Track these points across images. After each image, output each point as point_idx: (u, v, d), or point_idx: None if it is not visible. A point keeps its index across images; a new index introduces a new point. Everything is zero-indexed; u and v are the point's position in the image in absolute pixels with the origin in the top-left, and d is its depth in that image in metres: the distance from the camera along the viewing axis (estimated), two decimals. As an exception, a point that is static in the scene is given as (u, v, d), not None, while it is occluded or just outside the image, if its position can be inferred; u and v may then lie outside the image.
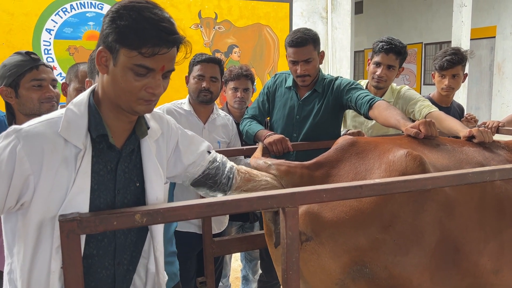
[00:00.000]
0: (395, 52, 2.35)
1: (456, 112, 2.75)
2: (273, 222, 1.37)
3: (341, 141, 1.47)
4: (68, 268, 0.88)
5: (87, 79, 1.52)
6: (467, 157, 1.50)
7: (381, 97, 2.38)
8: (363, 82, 2.57)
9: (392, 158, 1.35)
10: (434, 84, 2.75)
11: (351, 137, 1.48)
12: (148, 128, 1.16)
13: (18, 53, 1.60)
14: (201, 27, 4.80)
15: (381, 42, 2.39)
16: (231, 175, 1.35)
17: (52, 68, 1.67)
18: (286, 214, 1.05)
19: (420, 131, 1.55)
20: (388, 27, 11.97)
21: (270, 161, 1.44)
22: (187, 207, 0.96)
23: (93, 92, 1.11)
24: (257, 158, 1.51)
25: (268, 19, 5.26)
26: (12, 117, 1.62)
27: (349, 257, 1.27)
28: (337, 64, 7.02)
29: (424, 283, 1.27)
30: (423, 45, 11.03)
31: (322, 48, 6.80)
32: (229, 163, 1.39)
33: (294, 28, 5.52)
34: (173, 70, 1.09)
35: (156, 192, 1.15)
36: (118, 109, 1.08)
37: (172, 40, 1.02)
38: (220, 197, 1.22)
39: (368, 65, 2.48)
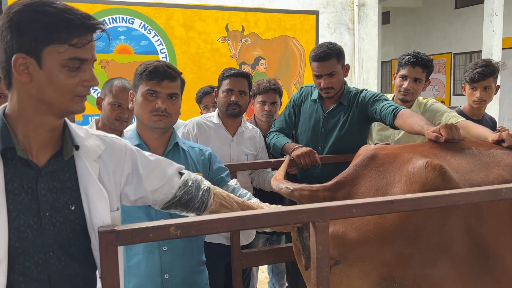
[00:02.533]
0: (421, 65, 2.34)
1: (488, 125, 2.69)
2: (300, 242, 1.37)
3: (360, 156, 1.46)
4: (106, 278, 0.92)
5: (131, 91, 1.61)
6: (494, 160, 1.47)
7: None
8: (389, 96, 2.56)
9: (411, 170, 1.33)
10: (464, 95, 2.71)
11: (371, 150, 1.47)
12: (77, 147, 1.04)
13: None
14: (228, 40, 4.86)
15: (407, 55, 2.38)
16: (205, 199, 1.29)
17: None
18: (316, 229, 1.06)
19: (441, 134, 1.52)
20: (416, 37, 11.84)
21: (292, 186, 1.43)
22: (219, 221, 0.99)
23: (5, 108, 1.02)
24: (279, 182, 1.51)
25: (295, 31, 5.27)
26: None
27: (378, 274, 1.27)
28: (364, 75, 6.99)
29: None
30: (453, 55, 10.84)
31: (349, 60, 6.77)
32: (205, 185, 1.31)
33: (320, 39, 5.54)
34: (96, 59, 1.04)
35: (102, 215, 1.02)
36: (38, 120, 0.99)
37: (96, 25, 0.98)
38: (251, 211, 1.24)
39: (394, 79, 2.48)
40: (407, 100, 2.41)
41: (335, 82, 2.17)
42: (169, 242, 1.52)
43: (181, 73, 1.60)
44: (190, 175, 1.30)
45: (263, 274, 3.42)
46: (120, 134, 2.11)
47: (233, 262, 1.96)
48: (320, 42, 5.74)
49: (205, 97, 2.97)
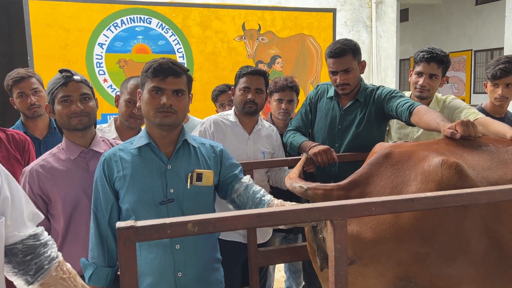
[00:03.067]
0: (436, 61, 2.31)
1: (510, 122, 2.63)
2: (315, 242, 1.36)
3: (374, 154, 1.44)
4: (124, 274, 0.92)
5: (138, 90, 1.59)
6: None
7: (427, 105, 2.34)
8: (407, 93, 2.53)
9: (427, 168, 1.31)
10: (485, 93, 2.65)
11: (385, 147, 1.45)
12: None
13: (59, 71, 1.68)
14: (244, 38, 4.88)
15: (422, 51, 2.36)
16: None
17: (86, 82, 1.70)
18: (335, 227, 1.04)
19: (457, 131, 1.49)
20: (435, 34, 11.65)
21: (306, 185, 1.42)
22: (236, 217, 0.98)
23: None
24: (293, 181, 1.50)
25: (311, 29, 5.26)
26: (62, 130, 1.71)
27: (393, 274, 1.25)
28: (382, 73, 6.92)
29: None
30: (473, 52, 10.64)
31: (366, 58, 6.70)
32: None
33: (337, 37, 5.50)
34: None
35: None
36: None
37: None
38: (267, 208, 1.24)
39: (410, 76, 2.45)
40: (424, 96, 2.38)
41: (351, 79, 2.15)
42: (181, 240, 1.52)
43: (188, 70, 1.58)
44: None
45: (279, 273, 3.42)
46: (138, 132, 2.13)
47: (250, 260, 1.96)
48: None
49: (221, 96, 2.97)
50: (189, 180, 1.53)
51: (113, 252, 1.55)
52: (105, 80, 4.37)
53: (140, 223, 0.93)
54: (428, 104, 2.42)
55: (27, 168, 1.62)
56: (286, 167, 2.29)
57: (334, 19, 5.72)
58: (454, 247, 1.24)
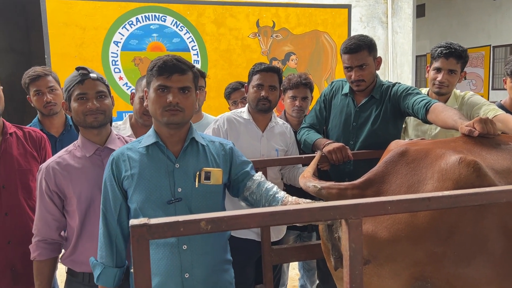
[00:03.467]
0: (455, 56, 2.27)
1: None
2: (329, 241, 1.34)
3: (390, 152, 1.41)
4: (137, 271, 0.92)
5: (145, 89, 1.58)
6: None
7: (445, 102, 2.30)
8: (424, 90, 2.48)
9: (444, 166, 1.28)
10: (504, 89, 2.59)
11: (401, 145, 1.42)
12: None
13: (75, 69, 1.69)
14: (259, 36, 4.88)
15: (440, 47, 2.32)
16: None
17: (103, 80, 1.70)
18: (349, 226, 1.03)
19: (475, 128, 1.45)
20: (453, 29, 11.45)
21: (319, 184, 1.40)
22: (250, 216, 0.98)
23: None
24: (307, 180, 1.47)
25: (326, 26, 5.23)
26: (78, 127, 1.73)
27: (409, 274, 1.23)
28: (398, 69, 6.83)
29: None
30: (492, 48, 10.43)
31: (382, 54, 6.62)
32: None
33: (352, 33, 5.45)
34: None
35: None
36: None
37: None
38: (281, 206, 1.22)
39: (427, 72, 2.40)
40: (443, 92, 2.34)
41: (366, 75, 2.13)
42: (189, 240, 1.49)
43: (194, 66, 1.54)
44: None
45: (294, 271, 3.40)
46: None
47: (264, 258, 1.96)
48: (352, 36, 5.66)
49: (233, 93, 2.96)
50: (197, 178, 1.51)
51: (122, 252, 1.54)
52: (120, 78, 4.41)
53: (153, 220, 0.92)
54: (446, 100, 2.38)
55: (43, 165, 1.64)
56: (300, 165, 2.28)
57: (349, 15, 5.68)
58: (471, 247, 1.22)
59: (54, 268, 1.68)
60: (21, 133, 1.97)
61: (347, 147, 2.04)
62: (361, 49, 2.09)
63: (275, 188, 1.60)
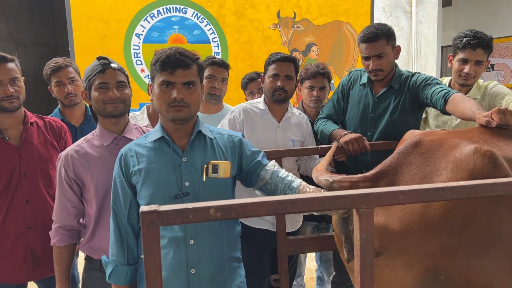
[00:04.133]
0: (482, 46, 2.20)
1: None
2: (342, 233, 1.33)
3: (404, 142, 1.39)
4: (148, 257, 0.94)
5: (149, 82, 1.58)
6: None
7: (466, 94, 2.24)
8: (445, 80, 2.42)
9: (459, 156, 1.25)
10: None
11: (416, 135, 1.39)
12: None
13: (96, 58, 1.71)
14: (279, 26, 4.84)
15: (466, 37, 2.24)
16: None
17: (123, 70, 1.72)
18: (360, 216, 1.02)
19: (493, 119, 1.42)
20: (480, 19, 11.09)
21: (331, 178, 1.38)
22: (259, 204, 0.98)
23: None
24: (319, 174, 1.45)
25: (348, 16, 5.14)
26: (96, 117, 1.76)
27: (422, 266, 1.21)
28: (422, 60, 6.68)
29: (510, 289, 1.17)
30: (522, 38, 10.07)
31: (406, 44, 6.47)
32: None
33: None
34: None
35: None
36: None
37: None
38: (292, 195, 1.22)
39: (450, 62, 2.33)
40: (469, 84, 2.28)
41: (384, 64, 2.09)
42: (196, 235, 1.47)
43: (198, 58, 1.51)
44: None
45: (311, 262, 3.41)
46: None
47: (279, 248, 1.96)
48: (375, 26, 5.57)
49: (250, 83, 2.97)
50: (204, 172, 1.49)
51: (133, 249, 1.54)
52: (142, 70, 4.43)
53: (163, 207, 0.94)
54: (469, 91, 2.32)
55: (62, 153, 1.68)
56: (317, 156, 2.26)
57: (372, 5, 5.59)
58: (485, 239, 1.19)
59: (73, 254, 1.73)
60: (42, 122, 2.03)
61: (364, 137, 2.02)
62: (379, 38, 2.05)
63: (290, 176, 1.56)
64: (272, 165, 1.61)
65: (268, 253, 2.16)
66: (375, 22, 5.41)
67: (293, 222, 2.23)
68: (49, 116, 2.16)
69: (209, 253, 1.49)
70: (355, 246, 1.05)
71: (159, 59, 1.44)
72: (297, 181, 1.53)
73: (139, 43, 4.42)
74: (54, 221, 1.69)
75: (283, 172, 1.58)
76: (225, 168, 1.50)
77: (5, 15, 10.89)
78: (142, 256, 0.99)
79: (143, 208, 0.93)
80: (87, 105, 2.50)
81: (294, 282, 2.62)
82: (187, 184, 1.47)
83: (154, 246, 0.93)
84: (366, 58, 2.12)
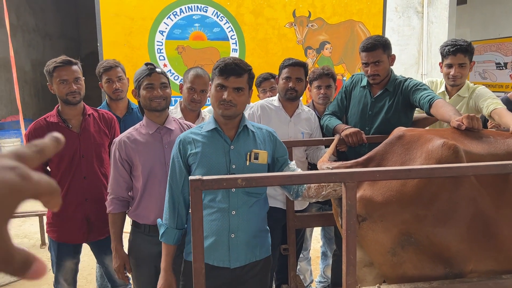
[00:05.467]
0: (461, 51, 2.56)
1: None
2: (339, 206, 1.70)
3: (390, 135, 1.75)
4: (193, 212, 1.33)
5: (210, 82, 1.89)
6: (508, 148, 1.69)
7: (456, 92, 2.59)
8: (439, 80, 2.77)
9: (431, 148, 1.60)
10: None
11: (400, 131, 1.75)
12: None
13: (144, 64, 2.09)
14: (294, 25, 5.03)
15: (447, 46, 2.62)
16: None
17: (165, 74, 2.10)
18: (347, 188, 1.39)
19: (463, 123, 1.77)
20: (495, 18, 11.18)
21: (331, 165, 1.74)
22: (273, 177, 1.37)
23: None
24: (322, 163, 1.81)
25: (361, 15, 5.28)
26: (142, 110, 2.15)
27: (398, 230, 1.56)
28: (432, 59, 6.92)
29: (463, 251, 1.53)
30: (538, 37, 10.15)
31: (417, 44, 6.70)
32: None
33: (387, 23, 5.56)
34: None
35: None
36: None
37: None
38: (297, 172, 1.59)
39: (441, 68, 2.69)
40: (457, 84, 2.64)
41: (380, 70, 2.46)
42: (237, 208, 1.77)
43: (250, 68, 1.80)
44: None
45: (319, 244, 3.77)
46: (198, 114, 2.56)
47: (288, 222, 2.34)
48: (387, 26, 5.79)
49: (264, 82, 3.27)
50: (247, 158, 1.79)
51: (183, 217, 1.83)
52: (165, 65, 4.67)
53: (205, 177, 1.32)
54: (459, 89, 2.67)
55: (116, 139, 2.07)
56: (323, 146, 2.63)
57: (385, 5, 5.65)
58: (447, 211, 1.54)
59: (124, 219, 2.13)
60: (97, 114, 2.45)
61: (362, 132, 2.39)
62: (377, 48, 2.42)
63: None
64: (293, 164, 1.93)
65: (279, 227, 2.53)
66: (387, 21, 5.60)
67: (301, 202, 2.61)
68: (99, 108, 2.58)
69: (246, 222, 1.80)
70: (342, 211, 1.43)
71: (219, 66, 1.76)
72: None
73: (162, 39, 4.66)
74: (109, 193, 2.09)
75: (299, 171, 1.89)
76: (263, 156, 1.80)
77: (33, 9, 11.38)
78: (189, 211, 1.37)
79: (191, 177, 1.32)
80: (130, 100, 2.92)
81: (301, 255, 3.00)
82: (233, 167, 1.78)
83: (198, 204, 1.32)
84: (365, 65, 2.50)
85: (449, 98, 2.71)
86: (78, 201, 2.34)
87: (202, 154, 1.78)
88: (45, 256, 3.62)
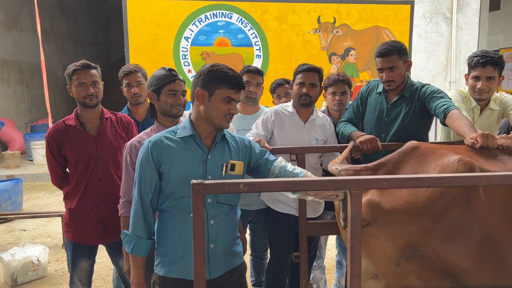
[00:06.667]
0: (491, 63, 2.45)
1: None
2: (342, 209, 1.67)
3: (405, 144, 1.71)
4: (195, 215, 1.32)
5: (198, 88, 1.82)
6: None
7: (486, 106, 2.52)
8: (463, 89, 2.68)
9: (446, 162, 1.55)
10: None
11: (416, 142, 1.70)
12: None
13: (163, 68, 2.12)
14: (319, 31, 5.00)
15: (476, 56, 2.51)
16: None
17: (183, 81, 2.14)
18: (352, 196, 1.35)
19: (477, 141, 1.72)
20: (530, 24, 10.83)
21: (340, 167, 1.72)
22: (275, 183, 1.34)
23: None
24: (332, 164, 1.79)
25: (388, 22, 5.19)
26: (154, 114, 2.17)
27: (403, 241, 1.51)
28: (461, 66, 6.75)
29: (470, 269, 1.47)
30: None
31: (445, 50, 6.56)
32: None
33: (414, 29, 5.46)
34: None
35: None
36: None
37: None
38: (301, 178, 1.56)
39: (466, 80, 2.59)
40: (483, 98, 2.54)
41: (396, 76, 2.40)
42: (215, 217, 1.74)
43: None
44: None
45: (334, 252, 3.71)
46: None
47: (300, 229, 2.31)
48: (414, 32, 5.69)
49: (278, 88, 3.24)
50: (224, 169, 1.75)
51: (151, 227, 1.78)
52: (189, 71, 4.73)
53: (207, 181, 1.32)
54: (486, 104, 2.57)
55: (128, 143, 2.10)
56: (338, 153, 2.58)
57: (412, 11, 5.54)
58: (456, 228, 1.48)
59: None
60: (115, 118, 2.50)
61: (378, 139, 2.33)
62: (392, 53, 2.37)
63: (295, 169, 1.87)
64: (279, 161, 1.90)
65: (291, 234, 2.51)
66: (414, 28, 5.49)
67: (314, 210, 2.57)
68: (120, 112, 2.63)
69: (224, 230, 1.78)
70: (347, 219, 1.39)
71: (229, 77, 1.69)
72: (302, 172, 1.86)
73: (187, 45, 4.71)
74: (121, 196, 2.11)
75: (289, 166, 1.89)
76: (239, 167, 1.78)
77: (66, 16, 11.80)
78: (191, 215, 1.36)
79: (193, 181, 1.32)
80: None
81: (315, 263, 2.96)
82: (210, 177, 1.74)
83: (200, 208, 1.32)
84: (380, 70, 2.44)
85: (480, 113, 2.62)
86: (93, 203, 2.38)
87: (178, 162, 1.73)
88: (65, 256, 3.71)
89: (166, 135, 1.78)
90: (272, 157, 1.92)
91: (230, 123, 2.55)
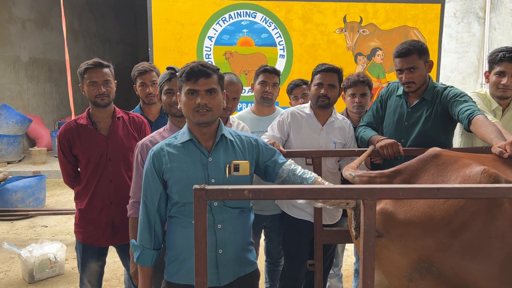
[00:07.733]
0: None
1: None
2: (354, 219, 1.57)
3: (426, 152, 1.59)
4: (197, 222, 1.26)
5: (178, 93, 1.79)
6: None
7: (507, 107, 2.36)
8: (483, 90, 2.55)
9: (468, 173, 1.43)
10: None
11: (438, 149, 1.58)
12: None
13: (166, 68, 2.07)
14: (345, 31, 4.91)
15: (501, 51, 2.38)
16: None
17: None
18: (365, 206, 1.26)
19: (506, 150, 1.58)
20: None
21: (354, 172, 1.62)
22: (282, 190, 1.27)
23: None
24: (346, 169, 1.70)
25: (416, 21, 5.06)
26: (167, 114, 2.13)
27: (417, 255, 1.41)
28: (494, 67, 6.48)
29: (493, 291, 1.34)
30: None
31: (477, 51, 6.34)
32: None
33: (445, 29, 5.28)
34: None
35: None
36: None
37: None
38: (310, 185, 1.47)
39: (486, 78, 2.45)
40: (508, 96, 2.39)
41: (416, 77, 2.27)
42: (223, 221, 1.69)
43: (218, 69, 1.72)
44: None
45: (352, 259, 3.59)
46: (226, 120, 2.50)
47: (315, 237, 2.22)
48: (444, 32, 5.49)
49: (295, 89, 3.17)
50: (227, 170, 1.69)
51: (159, 237, 1.75)
52: None
53: (210, 187, 1.25)
54: (509, 103, 2.42)
55: (139, 143, 2.06)
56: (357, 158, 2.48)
57: (442, 11, 5.38)
58: (477, 245, 1.36)
59: None
60: (127, 117, 2.46)
61: (399, 143, 2.21)
62: (411, 53, 2.23)
63: (306, 173, 1.79)
64: (289, 164, 1.82)
65: (307, 240, 2.40)
66: (444, 28, 5.31)
67: (332, 216, 2.46)
68: (132, 112, 2.60)
69: (234, 236, 1.72)
70: (360, 230, 1.30)
71: (185, 71, 1.67)
72: (312, 177, 1.77)
73: (210, 45, 4.71)
74: (131, 196, 2.07)
75: (299, 170, 1.81)
76: (245, 167, 1.71)
77: (94, 15, 12.03)
78: (193, 221, 1.30)
79: (196, 186, 1.26)
80: None
81: (332, 271, 2.85)
82: (213, 181, 1.69)
83: (202, 214, 1.26)
84: (399, 71, 2.31)
85: (502, 115, 2.47)
86: (103, 204, 2.36)
87: (179, 168, 1.69)
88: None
89: (168, 142, 1.76)
90: (282, 159, 1.85)
91: (245, 124, 2.53)
